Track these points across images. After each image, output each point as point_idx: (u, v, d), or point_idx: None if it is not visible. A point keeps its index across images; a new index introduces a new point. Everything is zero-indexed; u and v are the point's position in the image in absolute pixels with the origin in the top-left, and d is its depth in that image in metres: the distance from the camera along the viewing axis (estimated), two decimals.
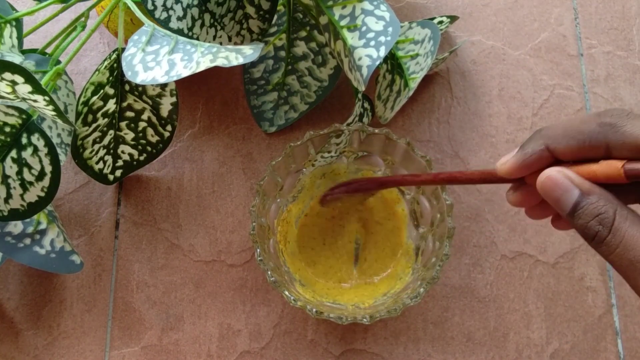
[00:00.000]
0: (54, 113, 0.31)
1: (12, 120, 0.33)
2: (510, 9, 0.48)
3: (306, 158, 0.40)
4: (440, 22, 0.44)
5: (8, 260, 0.42)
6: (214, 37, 0.38)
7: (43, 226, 0.39)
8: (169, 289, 0.42)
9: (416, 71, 0.39)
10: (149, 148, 0.41)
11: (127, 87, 0.38)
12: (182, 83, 0.46)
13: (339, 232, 0.42)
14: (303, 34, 0.42)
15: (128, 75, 0.31)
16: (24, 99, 0.31)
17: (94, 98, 0.37)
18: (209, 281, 0.42)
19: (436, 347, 0.41)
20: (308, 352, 0.41)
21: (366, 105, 0.42)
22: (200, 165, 0.45)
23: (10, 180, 0.34)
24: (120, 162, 0.42)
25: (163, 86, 0.38)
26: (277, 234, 0.41)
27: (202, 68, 0.29)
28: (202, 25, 0.37)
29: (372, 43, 0.33)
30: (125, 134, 0.40)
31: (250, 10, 0.38)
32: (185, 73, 0.29)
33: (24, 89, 0.30)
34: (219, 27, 0.38)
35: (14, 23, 0.37)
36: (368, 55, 0.33)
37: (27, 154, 0.34)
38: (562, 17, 0.47)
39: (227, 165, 0.45)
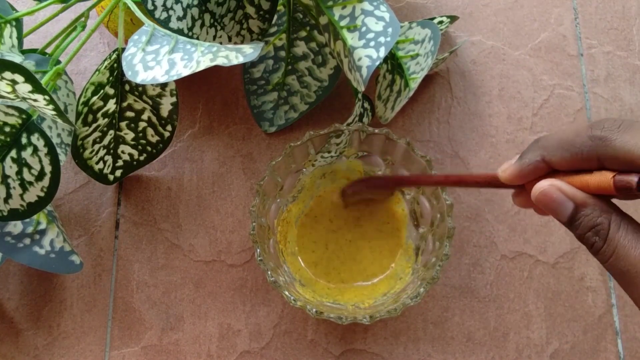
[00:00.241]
0: (54, 113, 0.31)
1: (12, 120, 0.33)
2: (510, 9, 0.48)
3: (306, 158, 0.40)
4: (440, 22, 0.44)
5: (8, 260, 0.42)
6: (214, 37, 0.38)
7: (43, 226, 0.39)
8: (169, 289, 0.42)
9: (416, 71, 0.39)
10: (149, 148, 0.41)
11: (127, 87, 0.38)
12: (182, 83, 0.46)
13: (339, 232, 0.42)
14: (303, 34, 0.42)
15: (128, 75, 0.31)
16: (24, 99, 0.31)
17: (94, 98, 0.37)
18: (209, 281, 0.42)
19: (436, 347, 0.41)
20: (308, 352, 0.41)
21: (366, 105, 0.42)
22: (200, 165, 0.45)
23: (10, 180, 0.34)
24: (120, 162, 0.42)
25: (163, 86, 0.38)
26: (277, 234, 0.41)
27: (202, 67, 0.29)
28: (202, 25, 0.37)
29: (372, 43, 0.33)
30: (126, 134, 0.40)
31: (250, 10, 0.38)
32: (186, 72, 0.29)
33: (24, 88, 0.30)
34: (219, 27, 0.38)
35: (14, 23, 0.37)
36: (368, 56, 0.33)
37: (26, 154, 0.34)
38: (562, 17, 0.48)
39: (227, 165, 0.45)
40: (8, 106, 0.33)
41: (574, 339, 0.41)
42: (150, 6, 0.34)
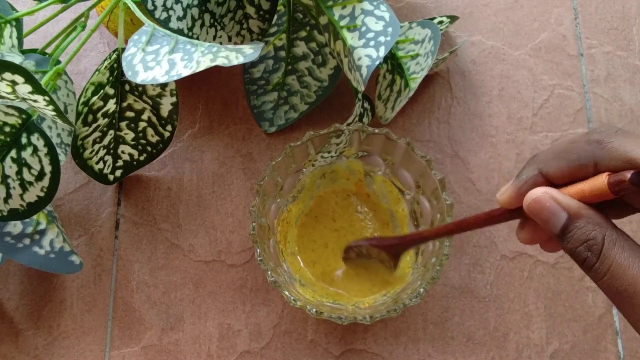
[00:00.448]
0: (54, 113, 0.31)
1: (12, 120, 0.33)
2: (510, 9, 0.48)
3: (306, 158, 0.40)
4: (440, 22, 0.44)
5: (8, 260, 0.42)
6: (214, 37, 0.38)
7: (42, 226, 0.39)
8: (169, 289, 0.42)
9: (416, 71, 0.39)
10: (149, 148, 0.41)
11: (127, 87, 0.38)
12: (182, 83, 0.46)
13: (339, 232, 0.42)
14: (303, 34, 0.42)
15: (128, 75, 0.31)
16: (24, 99, 0.31)
17: (94, 98, 0.37)
18: (209, 281, 0.42)
19: (436, 347, 0.41)
20: (308, 352, 0.41)
21: (366, 105, 0.42)
22: (200, 165, 0.45)
23: (9, 180, 0.34)
24: (120, 162, 0.42)
25: (163, 86, 0.38)
26: (277, 234, 0.41)
27: (202, 67, 0.29)
28: (202, 25, 0.37)
29: (372, 43, 0.33)
30: (125, 134, 0.40)
31: (250, 10, 0.38)
32: (186, 72, 0.29)
33: (24, 88, 0.30)
34: (219, 27, 0.38)
35: (14, 23, 0.37)
36: (368, 56, 0.33)
37: (26, 154, 0.34)
38: (562, 17, 0.48)
39: (227, 165, 0.45)
40: (8, 106, 0.33)
41: (574, 339, 0.41)
42: (150, 6, 0.34)
